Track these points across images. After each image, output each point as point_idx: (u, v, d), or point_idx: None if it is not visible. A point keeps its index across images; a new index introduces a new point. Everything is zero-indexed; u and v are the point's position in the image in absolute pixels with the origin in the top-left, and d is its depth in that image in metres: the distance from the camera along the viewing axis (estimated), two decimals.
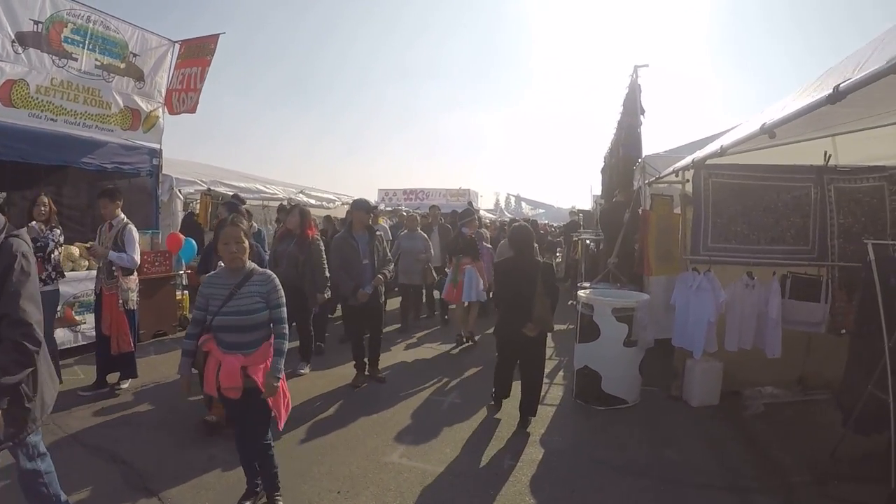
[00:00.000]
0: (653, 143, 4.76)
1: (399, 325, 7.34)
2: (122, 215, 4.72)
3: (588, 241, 7.14)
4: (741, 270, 4.23)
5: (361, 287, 4.53)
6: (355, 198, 5.58)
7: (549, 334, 3.94)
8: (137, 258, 4.70)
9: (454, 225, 10.30)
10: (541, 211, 23.82)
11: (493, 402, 4.20)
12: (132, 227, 4.68)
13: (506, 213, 23.29)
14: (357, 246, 4.58)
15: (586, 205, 19.17)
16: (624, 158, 5.22)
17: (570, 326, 7.43)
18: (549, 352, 6.06)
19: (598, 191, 14.36)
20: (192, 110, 7.57)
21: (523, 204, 24.37)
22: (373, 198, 24.23)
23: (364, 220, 4.81)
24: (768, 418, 4.03)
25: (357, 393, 4.66)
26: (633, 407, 4.25)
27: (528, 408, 3.87)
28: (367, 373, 4.89)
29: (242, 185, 9.08)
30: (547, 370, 5.32)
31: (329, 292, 5.17)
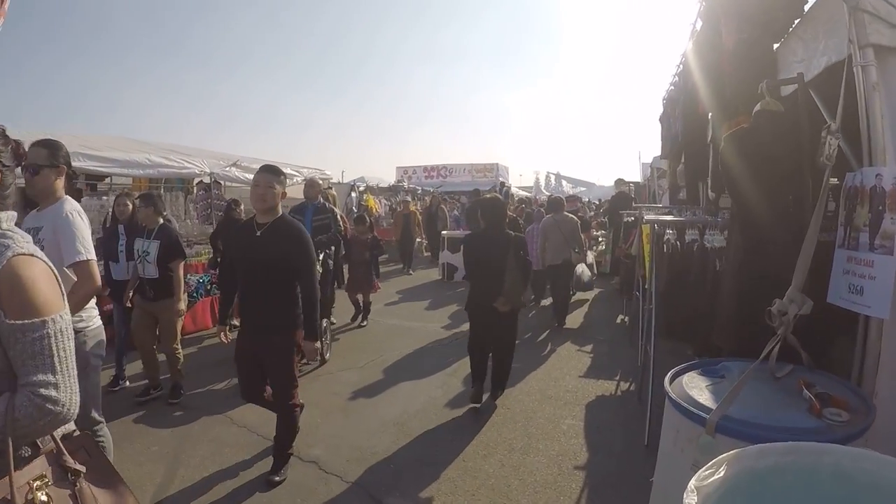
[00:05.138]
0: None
1: None
2: None
3: (665, 230, 3.47)
4: None
5: None
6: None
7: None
8: None
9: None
10: (582, 189, 20.63)
11: (472, 387, 3.85)
12: None
13: (544, 191, 20.79)
14: None
15: (634, 177, 14.40)
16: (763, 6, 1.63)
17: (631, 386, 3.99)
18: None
19: (649, 156, 10.29)
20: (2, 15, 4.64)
21: (563, 182, 21.61)
22: (391, 177, 21.29)
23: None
24: None
25: None
26: None
27: (498, 385, 3.96)
28: None
29: (115, 156, 6.09)
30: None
31: None
